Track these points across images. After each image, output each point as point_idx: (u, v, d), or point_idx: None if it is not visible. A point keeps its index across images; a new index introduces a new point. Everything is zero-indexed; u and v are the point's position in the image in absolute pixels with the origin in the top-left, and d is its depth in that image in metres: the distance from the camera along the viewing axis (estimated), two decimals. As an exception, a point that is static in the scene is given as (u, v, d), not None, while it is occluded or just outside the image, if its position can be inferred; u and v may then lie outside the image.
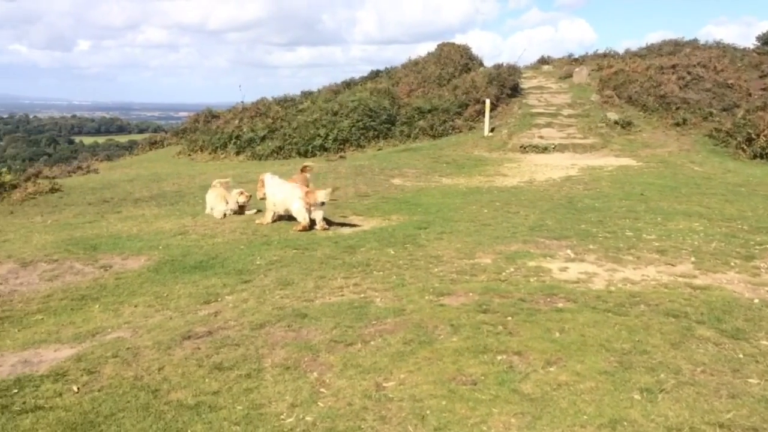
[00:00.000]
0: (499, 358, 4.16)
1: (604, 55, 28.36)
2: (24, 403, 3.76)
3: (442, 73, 22.96)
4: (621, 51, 28.69)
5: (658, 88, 19.76)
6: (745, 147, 15.44)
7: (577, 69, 24.78)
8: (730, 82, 19.97)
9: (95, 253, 7.35)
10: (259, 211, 9.34)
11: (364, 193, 11.02)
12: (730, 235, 7.57)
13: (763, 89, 19.67)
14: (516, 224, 8.26)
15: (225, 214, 9.40)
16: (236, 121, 20.63)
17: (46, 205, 11.01)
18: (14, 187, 11.94)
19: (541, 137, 17.20)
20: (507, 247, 7.10)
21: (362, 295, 5.54)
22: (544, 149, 16.24)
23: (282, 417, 3.53)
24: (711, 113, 18.34)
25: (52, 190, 12.10)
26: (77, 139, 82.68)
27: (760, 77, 20.82)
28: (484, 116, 18.48)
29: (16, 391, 3.93)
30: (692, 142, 16.81)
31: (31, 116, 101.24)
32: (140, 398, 3.77)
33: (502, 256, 6.73)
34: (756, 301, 5.31)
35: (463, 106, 19.91)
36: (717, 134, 16.88)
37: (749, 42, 26.20)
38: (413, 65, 25.37)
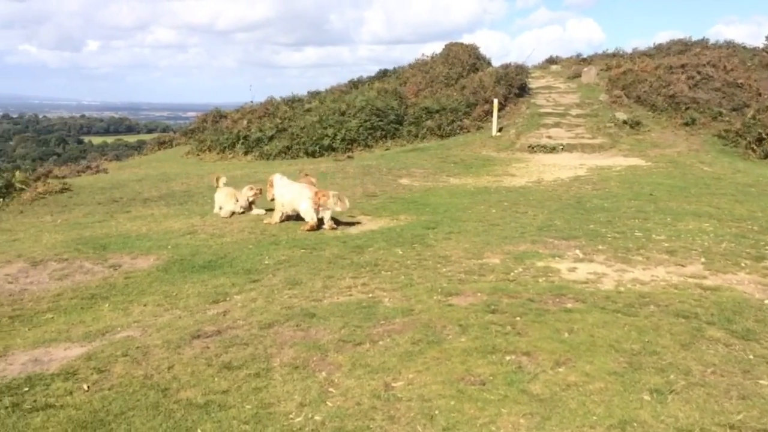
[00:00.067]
0: (507, 358, 4.16)
1: (613, 55, 28.26)
2: (35, 401, 3.79)
3: (450, 73, 22.93)
4: (629, 51, 28.61)
5: (668, 87, 19.66)
6: (755, 147, 15.34)
7: (585, 69, 24.70)
8: (740, 81, 19.84)
9: (105, 253, 7.38)
10: (268, 210, 9.36)
11: (372, 193, 11.03)
12: (740, 236, 7.53)
13: (774, 89, 19.54)
14: (524, 224, 8.24)
15: (233, 213, 9.42)
16: (244, 121, 20.69)
17: (56, 205, 11.08)
18: (24, 186, 12.01)
19: (549, 137, 17.15)
20: (515, 247, 7.08)
21: (370, 295, 5.54)
22: (553, 149, 16.19)
23: (291, 416, 3.53)
24: (720, 113, 18.24)
25: (62, 190, 12.17)
26: (86, 139, 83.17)
27: (771, 77, 20.68)
28: (492, 116, 18.44)
29: (26, 389, 3.96)
30: (701, 142, 16.72)
31: (40, 116, 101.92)
32: (150, 397, 3.79)
33: (511, 256, 6.72)
34: (766, 301, 5.27)
35: (470, 105, 19.87)
36: (727, 134, 16.79)
37: (759, 41, 26.01)
38: (421, 65, 25.35)
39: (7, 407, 3.70)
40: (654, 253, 6.78)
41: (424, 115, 19.42)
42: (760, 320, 4.83)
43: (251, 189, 9.55)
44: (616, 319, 4.81)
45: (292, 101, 23.97)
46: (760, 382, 3.85)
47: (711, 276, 6.02)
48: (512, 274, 6.09)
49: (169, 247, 7.57)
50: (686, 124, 17.96)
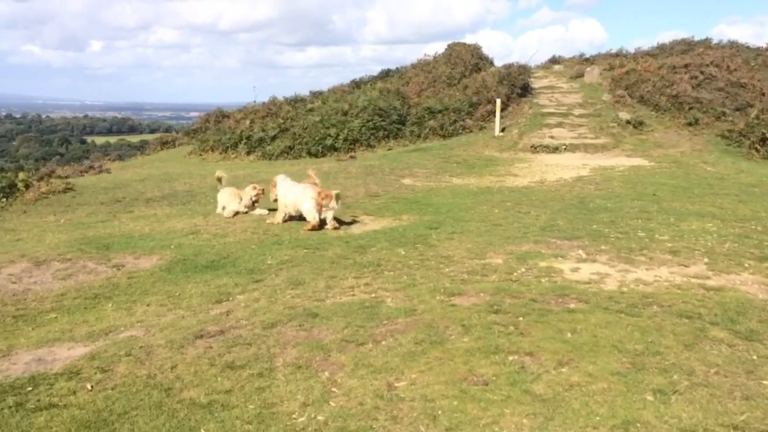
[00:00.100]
0: (510, 358, 4.16)
1: (616, 55, 28.20)
2: (38, 400, 3.80)
3: (453, 73, 22.92)
4: (632, 51, 28.54)
5: (671, 87, 19.62)
6: (759, 147, 15.30)
7: (588, 69, 24.65)
8: (743, 81, 19.79)
9: (108, 253, 7.40)
10: (271, 210, 9.37)
11: (375, 193, 11.03)
12: (743, 236, 7.51)
13: (777, 89, 19.48)
14: (527, 224, 8.23)
15: (237, 213, 9.43)
16: (247, 121, 20.71)
17: (59, 205, 11.10)
18: (27, 186, 12.03)
19: (552, 137, 17.13)
20: (518, 247, 7.08)
21: (373, 295, 5.55)
22: (555, 149, 16.17)
23: (294, 416, 3.54)
24: (724, 113, 18.20)
25: (65, 190, 12.18)
26: (89, 139, 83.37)
27: (774, 76, 20.62)
28: (494, 116, 18.43)
29: (30, 389, 3.97)
30: (705, 142, 16.68)
31: (43, 116, 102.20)
32: (153, 396, 3.79)
33: (513, 256, 6.71)
34: (770, 302, 5.26)
35: (473, 106, 19.85)
36: (730, 134, 16.75)
37: (762, 41, 26.03)
38: (423, 65, 25.33)
39: (10, 407, 3.71)
40: (657, 253, 6.77)
41: (426, 115, 19.41)
42: (763, 321, 4.82)
43: (254, 188, 9.56)
44: (619, 320, 4.80)
45: (295, 101, 23.98)
46: (764, 382, 3.84)
47: (714, 276, 6.01)
48: (515, 274, 6.09)
49: (172, 247, 7.58)
50: (689, 124, 17.92)
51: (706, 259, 6.52)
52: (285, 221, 8.75)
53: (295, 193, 8.60)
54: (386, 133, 18.84)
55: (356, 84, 26.71)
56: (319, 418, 3.51)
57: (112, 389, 3.91)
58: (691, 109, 18.57)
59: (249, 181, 10.69)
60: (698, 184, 11.38)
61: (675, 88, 19.52)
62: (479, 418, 3.46)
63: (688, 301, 5.25)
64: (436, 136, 18.75)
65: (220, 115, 24.53)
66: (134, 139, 71.28)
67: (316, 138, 18.16)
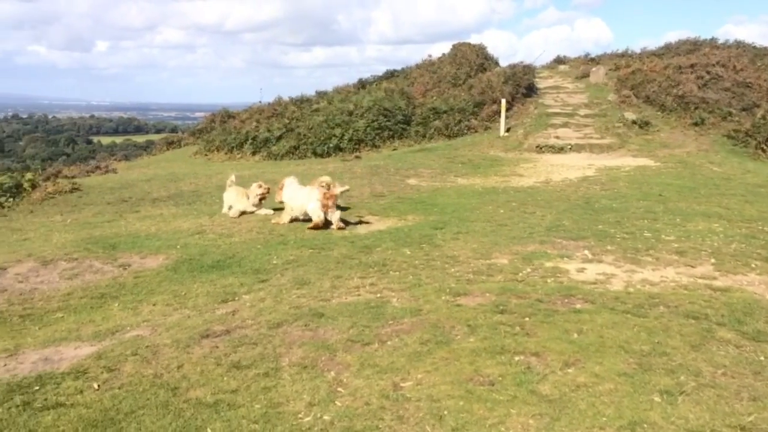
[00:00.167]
0: (516, 358, 4.15)
1: (622, 55, 28.12)
2: (45, 399, 3.81)
3: (458, 73, 22.89)
4: (638, 50, 28.44)
5: (677, 87, 19.55)
6: (765, 147, 15.24)
7: (593, 69, 24.59)
8: (749, 81, 19.70)
9: (114, 252, 7.42)
10: (276, 210, 9.39)
11: (380, 193, 11.03)
12: (750, 236, 7.49)
13: (784, 89, 19.39)
14: (532, 224, 8.22)
15: (244, 212, 9.44)
16: (252, 122, 20.74)
17: (66, 205, 11.14)
18: (34, 186, 12.09)
19: (557, 137, 17.10)
20: (524, 247, 7.07)
21: (378, 295, 5.55)
22: (561, 149, 16.13)
23: (300, 416, 3.54)
24: (730, 113, 18.12)
25: (72, 190, 12.23)
26: (95, 139, 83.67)
27: (781, 76, 20.52)
28: (499, 116, 18.40)
29: (37, 388, 3.98)
30: (711, 143, 16.62)
31: (50, 116, 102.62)
32: (160, 396, 3.80)
33: (519, 256, 6.70)
34: (777, 303, 5.24)
35: (478, 106, 19.82)
36: (736, 134, 16.68)
37: (769, 41, 25.85)
38: (428, 65, 25.32)
39: (18, 406, 3.73)
40: (663, 253, 6.75)
41: (431, 116, 19.39)
42: (771, 321, 4.79)
43: (260, 186, 9.57)
44: (626, 320, 4.79)
45: (300, 101, 24.00)
46: (772, 383, 3.82)
47: (721, 277, 5.99)
48: (521, 274, 6.08)
49: (178, 246, 7.60)
50: (695, 124, 17.86)
51: (712, 260, 6.50)
52: (291, 222, 8.76)
53: (302, 196, 8.62)
54: (391, 133, 18.84)
55: (362, 84, 26.71)
56: (325, 417, 3.51)
57: (119, 388, 3.92)
58: (697, 109, 18.49)
59: (254, 181, 10.70)
60: (704, 185, 11.34)
61: (681, 88, 19.45)
62: (485, 418, 3.45)
63: (694, 301, 5.23)
64: (441, 136, 18.74)
65: (226, 116, 24.58)
66: (140, 139, 71.51)
67: (321, 138, 18.17)
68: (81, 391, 3.90)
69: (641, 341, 4.39)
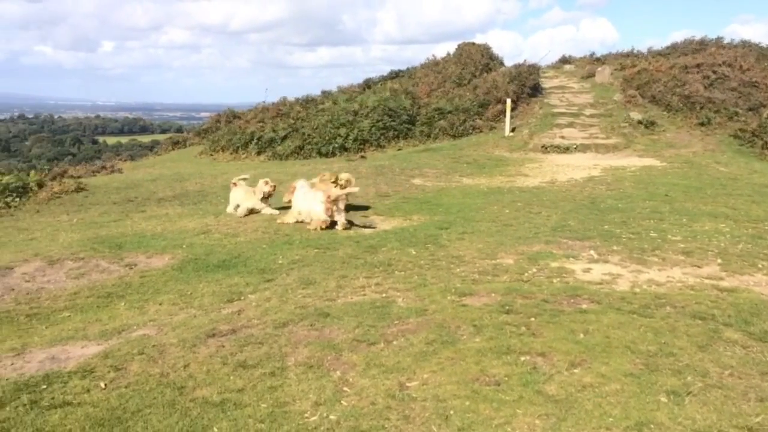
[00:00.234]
0: (522, 359, 4.14)
1: (627, 55, 28.03)
2: (53, 398, 3.83)
3: (463, 73, 22.87)
4: (644, 50, 28.35)
5: (683, 87, 19.49)
6: (772, 147, 15.18)
7: (599, 68, 24.53)
8: (756, 81, 19.62)
9: (120, 252, 7.45)
10: (281, 209, 9.41)
11: (385, 193, 11.03)
12: (757, 237, 7.46)
13: (791, 88, 19.30)
14: (538, 225, 8.21)
15: (252, 211, 9.46)
16: (258, 122, 20.76)
17: (72, 204, 11.18)
18: (40, 186, 12.13)
19: (562, 137, 17.07)
20: (529, 247, 7.06)
21: (384, 295, 5.55)
22: (566, 149, 16.10)
23: (306, 415, 3.55)
24: (736, 113, 18.05)
25: (78, 190, 12.27)
26: (101, 139, 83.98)
27: (787, 76, 20.42)
28: (504, 116, 18.38)
29: (44, 386, 4.00)
30: (717, 143, 16.56)
31: (55, 116, 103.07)
32: (166, 395, 3.81)
33: (525, 256, 6.70)
34: (785, 303, 5.22)
35: (483, 105, 19.80)
36: (743, 134, 16.62)
37: (776, 40, 25.73)
38: (433, 65, 25.30)
39: (25, 404, 3.75)
40: (670, 254, 6.73)
41: (436, 115, 19.39)
42: (778, 322, 4.77)
43: (267, 183, 9.57)
44: (632, 321, 4.78)
45: (306, 102, 24.02)
46: (779, 384, 3.81)
47: (728, 277, 5.97)
48: (526, 274, 6.07)
49: (184, 246, 7.62)
50: (702, 124, 17.80)
51: (719, 260, 6.48)
52: (295, 223, 8.77)
53: (309, 201, 8.63)
54: (396, 133, 18.84)
55: (367, 84, 26.71)
56: (331, 417, 3.51)
57: (126, 387, 3.93)
58: (703, 109, 18.43)
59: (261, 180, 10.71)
60: (711, 185, 11.30)
61: (687, 87, 19.39)
62: (491, 418, 3.45)
63: (701, 302, 5.21)
64: (446, 136, 18.73)
65: (231, 116, 24.60)
66: (145, 139, 71.74)
67: (326, 138, 18.18)
68: (88, 390, 3.91)
69: (648, 342, 4.38)
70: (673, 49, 26.73)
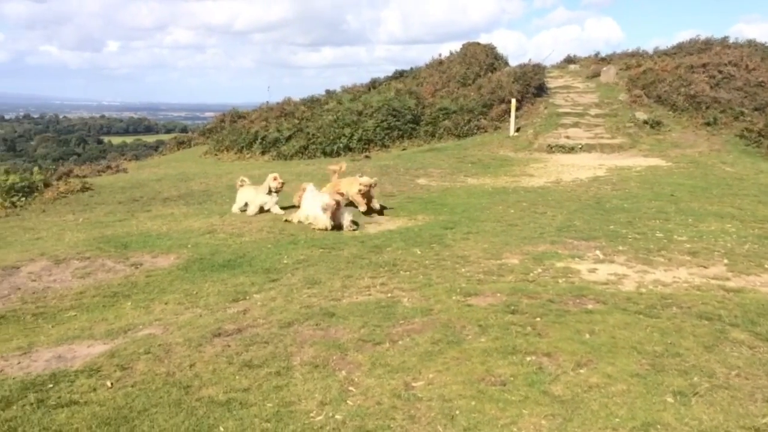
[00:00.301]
0: (528, 359, 4.14)
1: (632, 54, 27.94)
2: (59, 397, 3.84)
3: (467, 73, 22.85)
4: (650, 50, 28.26)
5: (688, 87, 19.43)
6: (778, 147, 15.12)
7: (604, 68, 24.46)
8: (762, 80, 19.54)
9: (126, 251, 7.46)
10: (289, 207, 9.42)
11: (390, 193, 11.03)
12: (763, 237, 7.43)
13: (797, 88, 19.22)
14: (543, 225, 8.20)
15: (261, 209, 9.47)
16: (262, 122, 20.79)
17: (78, 204, 11.21)
18: (46, 185, 12.17)
19: (567, 137, 17.04)
20: (534, 247, 7.05)
21: (389, 295, 5.55)
22: (571, 149, 16.08)
23: (312, 415, 3.55)
24: (742, 113, 17.98)
25: (83, 189, 12.31)
26: (106, 139, 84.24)
27: (794, 76, 20.33)
28: (509, 116, 18.36)
29: (51, 385, 4.01)
30: (723, 142, 16.51)
31: (60, 116, 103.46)
32: (172, 394, 3.82)
33: (530, 256, 6.68)
34: (792, 304, 5.19)
35: (488, 105, 19.78)
36: (749, 134, 16.56)
37: (782, 40, 25.58)
38: (438, 65, 25.28)
39: (32, 403, 3.76)
40: (676, 254, 6.71)
41: (441, 115, 19.37)
42: (785, 323, 4.75)
43: (275, 179, 9.56)
44: (638, 321, 4.77)
45: (310, 102, 24.03)
46: (786, 385, 3.79)
47: (734, 277, 5.95)
48: (532, 274, 6.06)
49: (189, 246, 7.63)
50: (707, 124, 17.74)
51: (725, 260, 6.46)
52: (299, 223, 8.77)
53: (314, 205, 8.62)
54: (400, 133, 18.84)
55: (371, 84, 26.70)
56: (337, 416, 3.52)
57: (132, 387, 3.94)
58: (708, 108, 18.37)
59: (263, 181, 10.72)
60: (717, 185, 11.26)
61: (693, 87, 19.33)
62: (497, 418, 3.45)
63: (707, 302, 5.20)
64: (451, 136, 18.71)
65: (236, 116, 24.65)
66: (150, 139, 71.93)
67: (331, 138, 18.19)
68: (94, 389, 3.93)
69: (654, 342, 4.37)
70: (679, 49, 26.63)
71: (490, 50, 25.46)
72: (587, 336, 4.48)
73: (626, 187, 11.14)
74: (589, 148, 16.12)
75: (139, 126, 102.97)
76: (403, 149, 18.03)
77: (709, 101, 18.64)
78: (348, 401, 3.68)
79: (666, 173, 12.72)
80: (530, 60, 24.38)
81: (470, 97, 20.24)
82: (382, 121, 18.69)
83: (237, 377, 4.02)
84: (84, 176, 15.29)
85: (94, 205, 11.00)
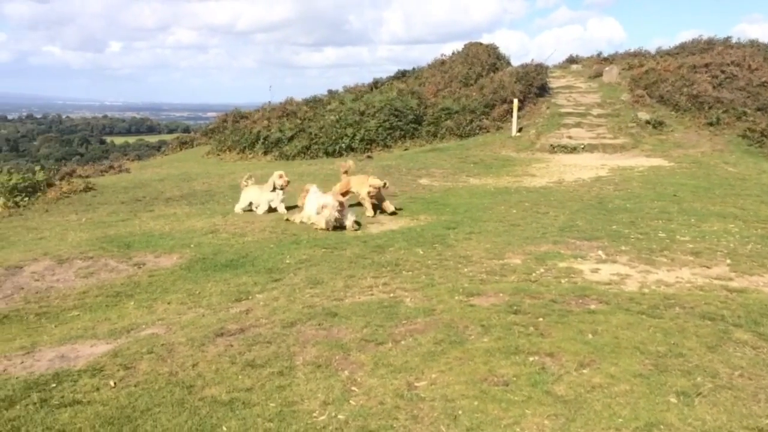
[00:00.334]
0: (531, 359, 4.14)
1: (635, 54, 27.91)
2: (62, 397, 3.84)
3: (469, 73, 22.83)
4: (652, 50, 28.23)
5: (691, 87, 19.40)
6: (781, 147, 15.09)
7: (606, 68, 24.44)
8: (764, 80, 19.51)
9: (129, 251, 7.48)
10: (292, 207, 9.42)
11: (392, 193, 11.02)
12: (766, 237, 7.42)
13: (800, 88, 19.17)
14: (545, 225, 8.19)
15: (269, 207, 9.47)
16: (264, 122, 20.80)
17: (81, 204, 11.23)
18: (49, 185, 12.19)
19: (570, 137, 17.02)
20: (537, 247, 7.04)
21: (392, 295, 5.55)
22: (573, 149, 16.06)
23: (314, 415, 3.55)
24: (745, 113, 17.95)
25: (86, 189, 12.33)
26: (108, 139, 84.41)
27: (797, 76, 20.28)
28: (511, 116, 18.35)
29: (54, 385, 4.02)
30: (725, 142, 16.48)
31: (63, 117, 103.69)
32: (175, 394, 3.83)
33: (532, 256, 6.68)
34: (795, 304, 5.18)
35: (490, 105, 19.77)
36: (751, 134, 16.53)
37: (784, 40, 25.54)
38: (440, 65, 25.27)
39: (35, 403, 3.76)
40: (678, 254, 6.71)
41: (443, 115, 19.37)
42: (788, 323, 4.75)
43: (281, 177, 9.56)
44: (641, 321, 4.76)
45: (313, 102, 24.04)
46: (790, 385, 3.78)
47: (737, 278, 5.94)
48: (534, 274, 6.06)
49: (192, 245, 7.64)
50: (710, 124, 17.71)
51: (728, 261, 6.45)
52: (301, 223, 8.78)
53: (318, 205, 8.64)
54: (403, 133, 18.83)
55: (373, 84, 26.70)
56: (340, 416, 3.52)
57: (135, 386, 3.95)
58: (711, 108, 18.34)
59: (266, 181, 10.73)
60: (719, 185, 11.24)
61: (695, 87, 19.30)
62: (500, 418, 3.44)
63: (710, 302, 5.19)
64: (453, 136, 18.71)
65: (238, 116, 24.66)
66: (153, 139, 72.04)
67: (333, 138, 18.20)
68: (97, 389, 3.93)
69: (657, 342, 4.37)
70: (681, 49, 26.60)
71: (492, 50, 25.44)
72: (590, 336, 4.48)
73: (629, 187, 11.13)
74: (591, 149, 16.11)
75: (141, 126, 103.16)
76: (406, 149, 18.03)
77: (712, 101, 18.62)
78: (351, 401, 3.69)
79: (668, 173, 12.70)
80: (532, 60, 24.38)
81: (472, 97, 20.23)
82: (385, 121, 18.69)
83: (240, 377, 4.02)
84: (87, 176, 15.32)
85: (97, 205, 11.02)
